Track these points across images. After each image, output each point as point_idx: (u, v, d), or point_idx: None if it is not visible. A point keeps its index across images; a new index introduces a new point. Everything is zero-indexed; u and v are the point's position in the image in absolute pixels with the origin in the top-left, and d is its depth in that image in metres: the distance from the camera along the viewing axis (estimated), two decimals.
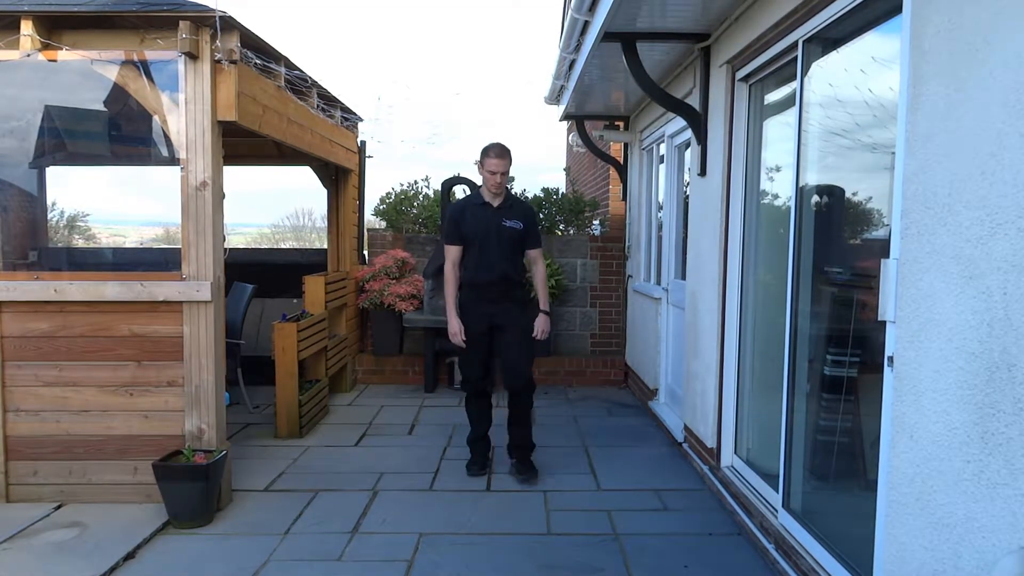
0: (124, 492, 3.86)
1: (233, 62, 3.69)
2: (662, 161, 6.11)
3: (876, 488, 2.46)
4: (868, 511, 2.53)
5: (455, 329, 4.33)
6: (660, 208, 6.26)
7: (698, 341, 4.61)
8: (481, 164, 4.32)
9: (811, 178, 3.22)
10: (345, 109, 6.09)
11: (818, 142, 3.19)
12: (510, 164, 4.32)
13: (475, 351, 4.39)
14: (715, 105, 4.30)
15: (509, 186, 4.65)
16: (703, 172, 4.49)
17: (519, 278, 4.47)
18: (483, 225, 4.32)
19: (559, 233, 7.72)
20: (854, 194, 3.04)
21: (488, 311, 4.35)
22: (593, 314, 7.44)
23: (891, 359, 2.31)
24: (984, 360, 1.84)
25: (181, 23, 3.53)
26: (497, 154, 4.25)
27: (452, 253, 4.40)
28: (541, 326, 4.44)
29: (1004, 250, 1.77)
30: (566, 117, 7.19)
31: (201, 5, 3.61)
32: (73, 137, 4.31)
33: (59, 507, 3.81)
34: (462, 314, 4.38)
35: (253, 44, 3.96)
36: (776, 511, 3.39)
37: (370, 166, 7.29)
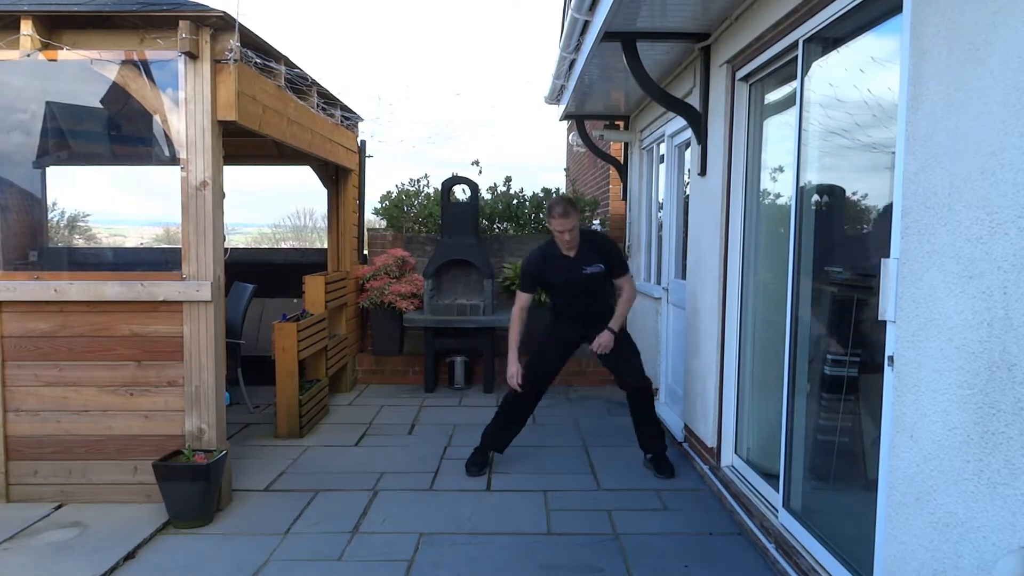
0: (124, 492, 3.86)
1: (234, 61, 3.69)
2: (662, 161, 6.11)
3: (876, 488, 2.46)
4: (868, 511, 2.53)
5: (512, 372, 4.34)
6: (660, 208, 6.26)
7: (698, 340, 4.61)
8: (548, 222, 4.28)
9: (811, 178, 3.22)
10: (345, 109, 6.09)
11: (818, 142, 3.19)
12: (577, 219, 4.26)
13: (554, 356, 4.48)
14: (715, 105, 4.30)
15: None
16: (703, 172, 4.49)
17: (610, 303, 4.50)
18: (566, 275, 4.35)
19: None
20: (854, 194, 3.04)
21: (581, 332, 4.46)
22: None
23: (891, 359, 2.31)
24: (984, 360, 1.84)
25: (181, 23, 3.54)
26: (560, 214, 4.16)
27: (523, 299, 4.44)
28: (600, 340, 4.35)
29: (1004, 249, 1.77)
30: (566, 117, 7.19)
31: (201, 5, 3.61)
32: (74, 136, 4.31)
33: (59, 507, 3.81)
34: (552, 326, 4.54)
35: (253, 44, 3.95)
36: (776, 511, 3.39)
37: (370, 166, 7.29)
